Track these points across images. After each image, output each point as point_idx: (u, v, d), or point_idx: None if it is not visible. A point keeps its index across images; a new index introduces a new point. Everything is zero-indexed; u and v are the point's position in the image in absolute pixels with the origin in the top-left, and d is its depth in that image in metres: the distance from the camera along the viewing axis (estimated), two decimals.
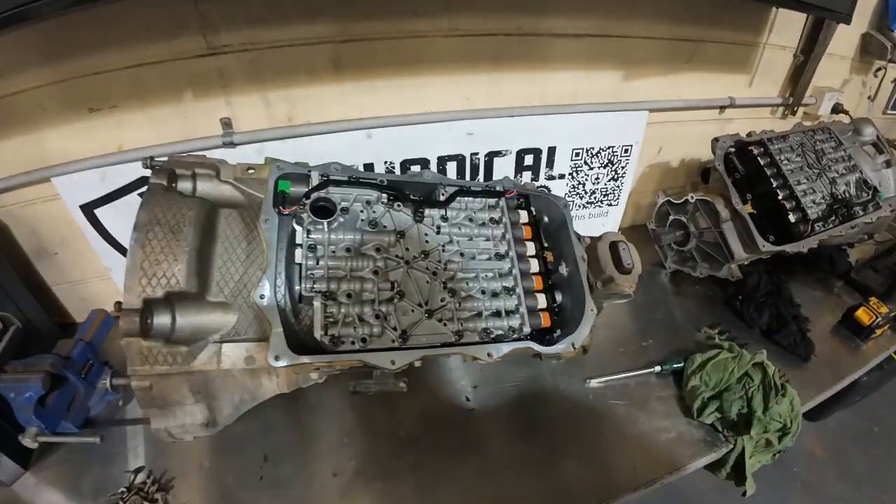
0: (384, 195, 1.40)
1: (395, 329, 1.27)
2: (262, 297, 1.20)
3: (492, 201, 1.52)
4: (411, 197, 1.42)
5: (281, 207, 1.31)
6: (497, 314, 1.38)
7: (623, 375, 1.78)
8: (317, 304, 1.24)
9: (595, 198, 2.36)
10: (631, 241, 1.92)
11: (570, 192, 2.28)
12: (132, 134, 1.65)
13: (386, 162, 1.88)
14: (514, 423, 1.65)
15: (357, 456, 1.53)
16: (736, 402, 1.64)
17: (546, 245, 1.64)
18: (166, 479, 1.47)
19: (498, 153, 2.02)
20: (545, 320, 1.41)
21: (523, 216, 1.55)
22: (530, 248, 1.50)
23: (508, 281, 1.42)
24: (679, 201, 2.17)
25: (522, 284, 1.42)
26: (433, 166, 1.94)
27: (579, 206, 2.35)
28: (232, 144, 1.70)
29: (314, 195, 1.33)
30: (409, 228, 1.40)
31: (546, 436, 1.62)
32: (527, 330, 1.36)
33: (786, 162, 2.10)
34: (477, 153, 1.99)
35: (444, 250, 1.40)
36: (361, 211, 1.38)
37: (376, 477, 1.48)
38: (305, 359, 1.18)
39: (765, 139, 2.14)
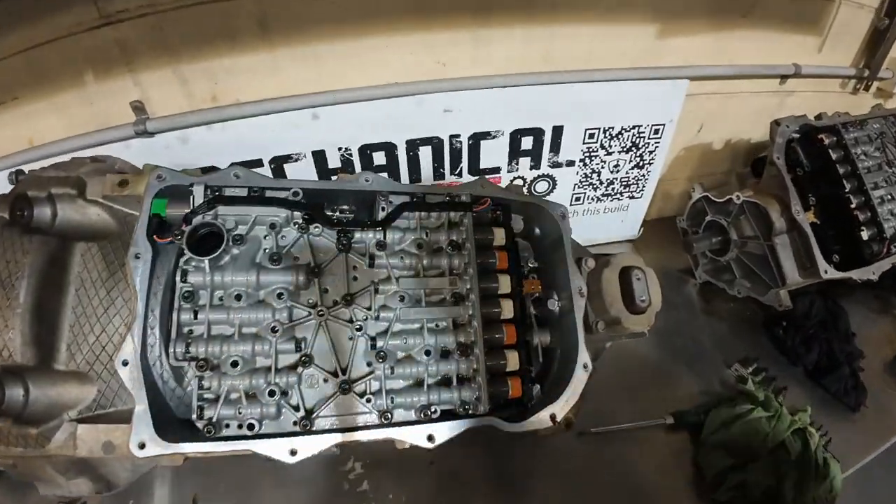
0: (299, 214, 0.97)
1: (296, 409, 0.89)
2: (124, 363, 0.85)
3: (454, 216, 1.06)
4: (334, 218, 0.98)
5: (156, 236, 0.91)
6: (446, 382, 0.97)
7: (626, 426, 1.36)
8: (191, 374, 0.87)
9: (613, 189, 1.82)
10: (656, 236, 1.44)
11: (581, 182, 1.75)
12: (41, 126, 1.31)
13: (340, 148, 1.42)
14: (483, 480, 1.29)
15: None
16: (764, 480, 1.20)
17: (536, 265, 1.19)
18: None
19: (486, 135, 1.51)
20: (514, 389, 0.99)
21: (499, 236, 1.09)
22: (504, 283, 1.05)
23: (466, 334, 0.99)
24: (720, 199, 1.61)
25: (484, 337, 0.99)
26: (401, 153, 1.47)
27: (592, 199, 1.83)
28: (147, 133, 1.29)
29: (196, 220, 0.91)
30: (329, 261, 0.97)
31: (521, 498, 1.26)
32: (483, 408, 0.95)
33: (862, 158, 1.50)
34: (458, 136, 1.48)
35: (377, 292, 0.97)
36: (265, 237, 0.96)
37: None
38: (174, 448, 0.84)
39: (838, 125, 1.53)
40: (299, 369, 0.90)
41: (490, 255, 1.06)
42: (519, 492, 1.26)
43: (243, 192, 0.96)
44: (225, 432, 0.87)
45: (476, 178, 1.13)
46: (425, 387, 0.94)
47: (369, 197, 1.03)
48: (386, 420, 0.90)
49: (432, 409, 0.93)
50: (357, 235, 0.99)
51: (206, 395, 0.88)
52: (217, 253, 0.90)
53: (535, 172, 1.65)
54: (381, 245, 0.98)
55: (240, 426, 0.87)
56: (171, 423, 0.89)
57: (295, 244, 0.97)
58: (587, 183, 1.76)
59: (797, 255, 1.47)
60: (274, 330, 0.89)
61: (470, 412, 0.94)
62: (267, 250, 0.95)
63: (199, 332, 0.89)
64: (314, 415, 0.89)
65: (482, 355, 0.97)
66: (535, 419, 0.99)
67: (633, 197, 1.86)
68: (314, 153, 1.40)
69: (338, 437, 0.88)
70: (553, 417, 1.00)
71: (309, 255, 0.97)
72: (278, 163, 1.39)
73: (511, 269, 1.07)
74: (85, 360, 0.92)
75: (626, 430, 1.36)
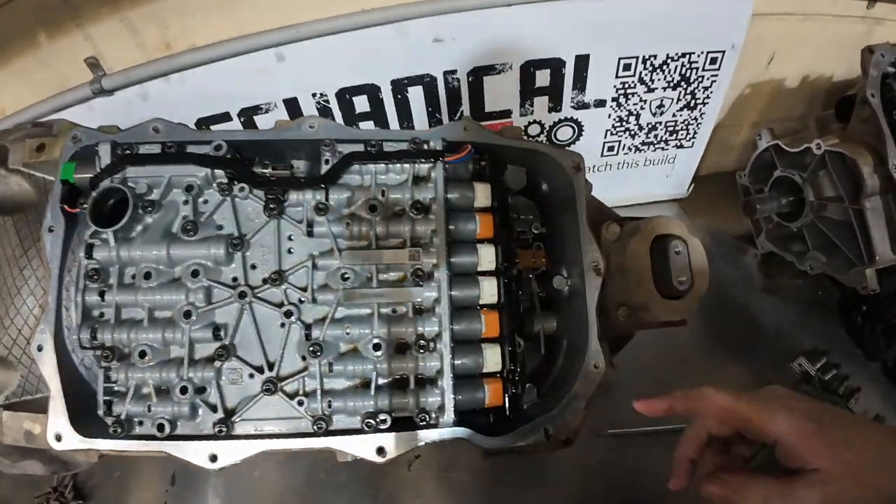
0: (221, 173, 0.74)
1: (214, 409, 0.70)
2: (39, 348, 0.72)
3: (422, 169, 0.79)
4: (264, 175, 0.74)
5: (67, 205, 0.75)
6: (400, 384, 0.73)
7: (652, 429, 1.06)
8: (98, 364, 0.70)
9: (656, 136, 1.41)
10: (709, 195, 1.07)
11: (614, 127, 1.36)
12: (9, 94, 1.20)
13: (315, 94, 1.16)
14: (471, 487, 1.06)
15: (265, 495, 1.09)
16: None
17: (542, 231, 0.89)
18: (90, 485, 1.19)
19: (489, 69, 1.17)
20: (492, 396, 0.73)
21: (482, 195, 0.80)
22: (485, 257, 0.77)
23: (429, 323, 0.73)
24: (795, 149, 1.18)
25: (454, 328, 0.73)
26: (387, 96, 1.18)
27: (629, 149, 1.43)
28: (104, 91, 1.14)
29: (102, 185, 0.72)
30: (257, 230, 0.75)
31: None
32: (448, 418, 0.70)
33: None
34: (454, 72, 1.16)
35: (315, 267, 0.74)
36: (184, 202, 0.74)
37: None
38: (89, 443, 0.71)
39: None
40: (217, 363, 0.70)
41: (468, 220, 0.78)
42: (516, 496, 1.03)
43: (155, 151, 0.75)
44: (139, 430, 0.72)
45: (460, 117, 0.84)
46: (372, 389, 0.70)
47: (309, 149, 0.77)
48: (320, 428, 0.69)
49: (380, 418, 0.70)
50: (293, 197, 0.75)
51: (117, 388, 0.71)
52: (122, 222, 0.71)
53: (556, 116, 1.29)
54: (321, 208, 0.74)
55: (153, 424, 0.70)
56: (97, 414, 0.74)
57: (218, 210, 0.75)
58: (623, 128, 1.37)
59: (891, 224, 1.03)
60: (187, 314, 0.70)
61: (431, 422, 0.70)
62: (185, 218, 0.73)
63: (108, 316, 0.72)
64: (235, 416, 0.70)
65: (448, 351, 0.71)
66: (522, 432, 0.73)
67: (681, 146, 1.45)
68: (286, 102, 1.16)
69: (264, 445, 0.69)
70: (547, 431, 0.73)
71: (234, 221, 0.75)
72: (248, 115, 1.18)
73: (497, 237, 0.79)
74: (2, 345, 0.82)
75: (652, 433, 1.06)
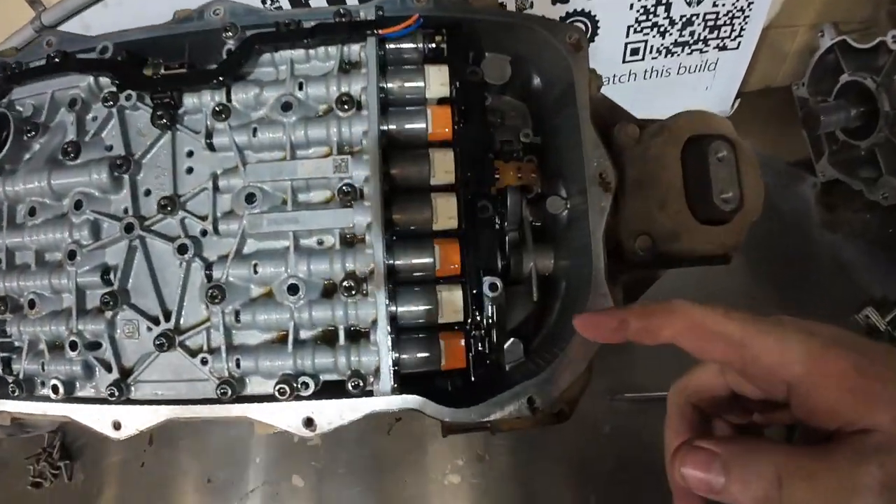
0: (108, 82, 0.54)
1: (109, 368, 0.52)
2: None
3: (352, 52, 0.54)
4: (146, 76, 0.53)
5: None
6: (328, 338, 0.51)
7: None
8: None
9: (693, 33, 1.04)
10: (758, 115, 0.79)
11: (638, 23, 1.01)
12: None
13: (266, 1, 0.93)
14: (459, 454, 0.85)
15: (240, 459, 0.96)
16: None
17: (534, 140, 0.62)
18: (77, 446, 1.14)
19: None
20: (452, 356, 0.50)
21: (434, 81, 0.53)
22: (440, 166, 0.52)
23: (361, 257, 0.50)
24: (865, 45, 0.80)
25: (399, 264, 0.49)
26: None
27: (658, 51, 1.06)
28: (45, 28, 0.96)
29: None
30: (149, 148, 0.55)
31: (515, 482, 0.80)
32: (384, 385, 0.48)
33: None
34: None
35: (218, 189, 0.53)
36: (72, 123, 0.55)
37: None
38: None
39: None
40: (108, 313, 0.52)
41: (416, 116, 0.52)
42: (510, 467, 0.80)
43: (40, 63, 0.57)
44: (42, 391, 0.56)
45: None
46: (290, 344, 0.49)
47: (208, 42, 0.55)
48: (224, 393, 0.49)
49: (301, 381, 0.49)
50: (189, 101, 0.54)
51: (16, 344, 0.57)
52: (3, 151, 0.53)
53: (562, 9, 0.96)
54: (220, 112, 0.51)
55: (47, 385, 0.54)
56: None
57: (106, 127, 0.57)
58: (649, 23, 1.00)
59: None
60: (71, 255, 0.53)
61: (366, 388, 0.49)
62: (70, 141, 0.55)
63: (2, 262, 0.56)
64: (132, 377, 0.52)
65: (383, 294, 0.48)
66: (499, 401, 0.49)
67: (724, 47, 1.06)
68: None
69: (168, 412, 0.51)
70: (532, 402, 0.49)
71: (122, 139, 0.55)
72: None
73: (459, 140, 0.53)
74: None
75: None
